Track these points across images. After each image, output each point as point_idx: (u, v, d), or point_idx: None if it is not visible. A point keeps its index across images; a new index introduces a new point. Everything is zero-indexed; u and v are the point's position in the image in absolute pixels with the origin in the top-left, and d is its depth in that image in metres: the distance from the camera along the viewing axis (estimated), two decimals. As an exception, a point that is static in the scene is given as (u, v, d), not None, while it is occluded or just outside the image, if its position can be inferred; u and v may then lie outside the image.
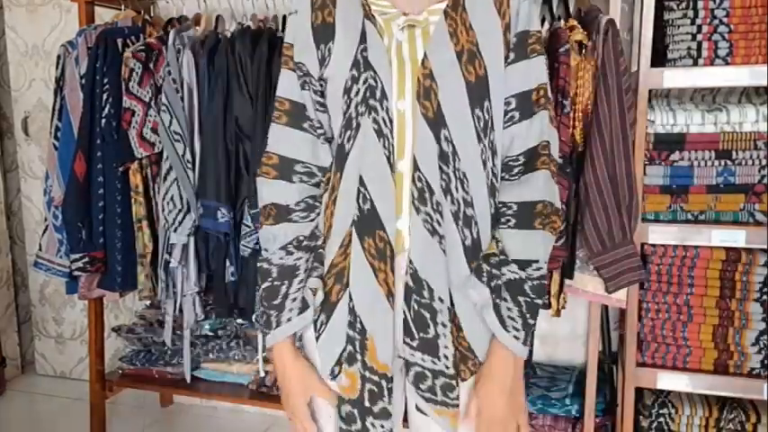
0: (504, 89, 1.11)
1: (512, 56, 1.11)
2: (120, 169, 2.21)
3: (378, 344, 1.12)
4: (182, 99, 2.14)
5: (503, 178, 1.15)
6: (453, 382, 1.13)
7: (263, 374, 2.46)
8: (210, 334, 2.54)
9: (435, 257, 1.09)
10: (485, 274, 1.11)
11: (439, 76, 1.08)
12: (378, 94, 1.08)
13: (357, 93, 1.09)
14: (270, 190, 1.19)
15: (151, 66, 2.18)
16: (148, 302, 2.65)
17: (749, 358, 1.86)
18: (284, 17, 2.25)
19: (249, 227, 2.09)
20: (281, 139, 1.18)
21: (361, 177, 1.10)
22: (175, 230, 2.16)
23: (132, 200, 2.24)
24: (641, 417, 1.99)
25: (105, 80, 2.19)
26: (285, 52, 1.18)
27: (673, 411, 1.97)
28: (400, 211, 1.10)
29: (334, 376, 1.16)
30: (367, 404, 1.14)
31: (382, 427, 1.14)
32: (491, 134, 1.11)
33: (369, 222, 1.10)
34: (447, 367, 1.12)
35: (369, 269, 1.10)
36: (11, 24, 3.00)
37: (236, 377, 2.52)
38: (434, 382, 1.13)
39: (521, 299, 1.11)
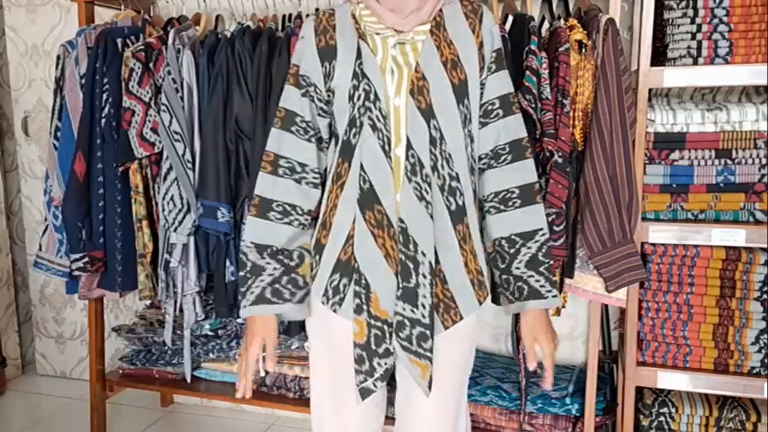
0: (477, 91, 1.38)
1: (493, 67, 1.41)
2: (120, 169, 2.21)
3: (380, 296, 1.34)
4: (182, 99, 2.14)
5: (491, 166, 1.42)
6: (427, 332, 1.33)
7: (263, 374, 2.45)
8: (211, 334, 2.54)
9: (422, 218, 1.32)
10: (506, 257, 1.42)
11: (430, 78, 1.33)
12: (372, 96, 1.33)
13: (359, 98, 1.34)
14: (261, 181, 1.43)
15: (151, 65, 2.18)
16: (148, 302, 2.65)
17: (749, 357, 1.86)
18: (284, 17, 2.26)
19: (249, 226, 2.09)
20: (274, 140, 1.44)
21: (361, 164, 1.33)
22: (175, 230, 2.16)
23: (132, 200, 2.23)
24: (641, 416, 1.99)
25: (105, 80, 2.19)
26: (290, 71, 1.43)
27: (673, 410, 1.97)
28: (398, 186, 1.33)
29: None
30: (373, 347, 1.35)
31: (386, 364, 1.36)
32: (469, 125, 1.38)
33: (368, 199, 1.33)
34: (423, 316, 1.33)
35: (369, 235, 1.33)
36: (11, 24, 3.00)
37: (236, 377, 2.51)
38: (411, 332, 1.33)
39: (541, 268, 1.41)
